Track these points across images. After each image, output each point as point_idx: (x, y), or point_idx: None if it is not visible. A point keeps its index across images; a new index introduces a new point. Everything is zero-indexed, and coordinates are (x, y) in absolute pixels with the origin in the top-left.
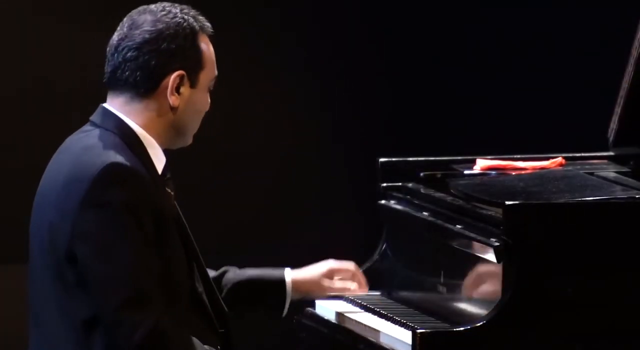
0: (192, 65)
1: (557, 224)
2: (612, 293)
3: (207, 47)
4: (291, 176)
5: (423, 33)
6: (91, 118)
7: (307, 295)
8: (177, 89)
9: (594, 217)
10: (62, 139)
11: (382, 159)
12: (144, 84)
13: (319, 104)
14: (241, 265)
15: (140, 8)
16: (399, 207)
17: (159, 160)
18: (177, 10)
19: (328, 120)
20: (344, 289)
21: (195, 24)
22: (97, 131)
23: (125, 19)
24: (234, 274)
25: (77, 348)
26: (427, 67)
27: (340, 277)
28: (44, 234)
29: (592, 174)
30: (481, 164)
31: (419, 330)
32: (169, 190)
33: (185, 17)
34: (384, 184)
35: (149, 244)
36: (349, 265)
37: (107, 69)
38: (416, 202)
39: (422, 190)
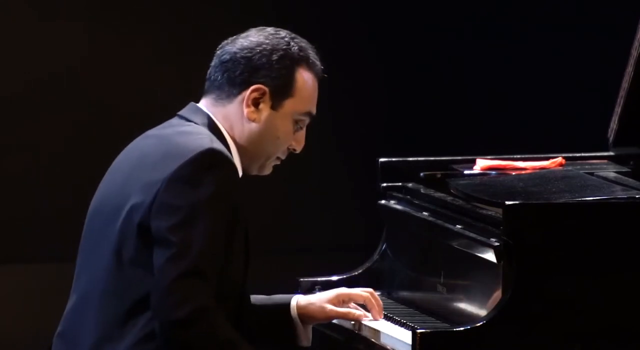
0: (279, 87)
1: (557, 224)
2: (612, 293)
3: (304, 81)
4: (291, 176)
5: (423, 33)
6: (180, 113)
7: (312, 320)
8: (256, 103)
9: (594, 217)
10: (64, 140)
11: (382, 159)
12: (227, 87)
13: (319, 104)
14: None
15: (261, 27)
16: (399, 207)
17: (239, 170)
18: (289, 37)
19: (328, 120)
20: (347, 314)
21: (299, 53)
22: (188, 124)
23: None
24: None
25: (117, 324)
26: (427, 67)
27: (351, 302)
28: (116, 207)
29: (592, 174)
30: (481, 164)
31: (419, 330)
32: None
33: (292, 43)
34: (384, 184)
35: (222, 233)
36: (362, 291)
37: (210, 70)
38: (416, 202)
39: (422, 190)
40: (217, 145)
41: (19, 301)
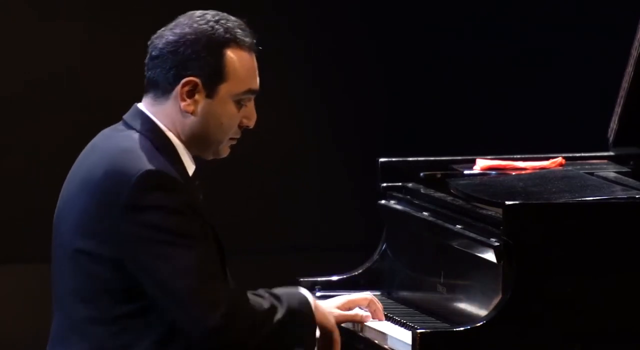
0: (209, 75)
1: (557, 224)
2: (612, 293)
3: (235, 60)
4: (291, 176)
5: (423, 33)
6: (124, 117)
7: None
8: (190, 95)
9: (594, 217)
10: (64, 140)
11: (382, 159)
12: (161, 85)
13: (319, 104)
14: (241, 265)
15: (190, 12)
16: (399, 207)
17: (189, 166)
18: (214, 19)
19: (328, 120)
20: (355, 316)
21: (225, 34)
22: (130, 133)
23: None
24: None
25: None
26: (428, 68)
27: (356, 307)
28: (73, 231)
29: (592, 174)
30: (481, 164)
31: (419, 330)
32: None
33: (216, 26)
34: (384, 184)
35: (197, 236)
36: (365, 294)
37: (145, 67)
38: (416, 202)
39: (422, 190)
40: (154, 163)
41: (19, 301)
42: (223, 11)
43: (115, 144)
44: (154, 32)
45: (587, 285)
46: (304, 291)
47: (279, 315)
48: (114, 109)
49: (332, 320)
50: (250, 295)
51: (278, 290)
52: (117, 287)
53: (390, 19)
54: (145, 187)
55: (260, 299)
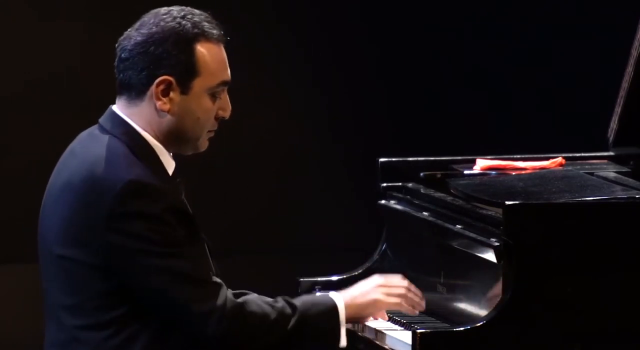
0: (182, 71)
1: (557, 224)
2: (612, 293)
3: (206, 54)
4: (291, 176)
5: (423, 33)
6: (100, 121)
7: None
8: (165, 94)
9: (594, 217)
10: (64, 140)
11: (382, 159)
12: (135, 87)
13: (319, 104)
14: (241, 265)
15: (154, 10)
16: (399, 207)
17: (169, 165)
18: (180, 15)
19: (328, 120)
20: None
21: (193, 29)
22: (106, 138)
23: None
24: (252, 297)
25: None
26: (427, 68)
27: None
28: (54, 237)
29: (592, 174)
30: (481, 164)
31: (419, 330)
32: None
33: (183, 22)
34: (384, 184)
35: (183, 243)
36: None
37: (115, 69)
38: (416, 202)
39: (422, 190)
40: (133, 171)
41: (19, 301)
42: (222, 11)
43: (93, 150)
44: None
45: (587, 285)
46: (334, 297)
47: (290, 324)
48: None
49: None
50: (260, 303)
51: (302, 298)
52: (105, 292)
53: (390, 19)
54: (128, 196)
55: (269, 307)
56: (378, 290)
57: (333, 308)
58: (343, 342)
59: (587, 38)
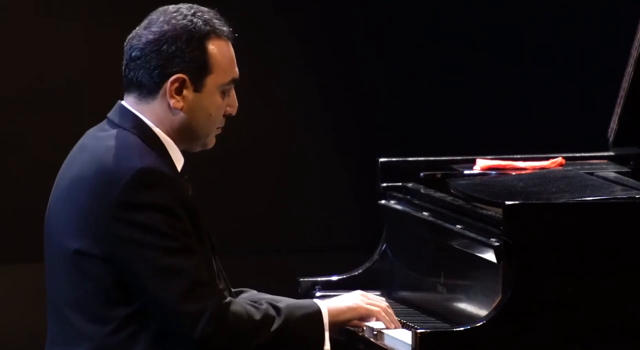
0: (195, 69)
1: (557, 224)
2: (612, 293)
3: (217, 51)
4: (291, 176)
5: (423, 33)
6: (109, 116)
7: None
8: (179, 92)
9: (594, 217)
10: (64, 139)
11: (382, 159)
12: (147, 85)
13: (319, 104)
14: (241, 265)
15: (162, 7)
16: (399, 207)
17: (178, 161)
18: (190, 12)
19: (328, 120)
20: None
21: (205, 27)
22: (116, 131)
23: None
24: (251, 294)
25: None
26: (427, 67)
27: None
28: (66, 231)
29: (592, 174)
30: (481, 164)
31: (419, 330)
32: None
33: (195, 20)
34: (384, 184)
35: (189, 237)
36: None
37: (123, 67)
38: (416, 202)
39: (422, 190)
40: (145, 160)
41: (19, 301)
42: (223, 12)
43: (104, 143)
44: None
45: (587, 285)
46: (317, 302)
47: (274, 326)
48: None
49: (359, 306)
50: (244, 304)
51: (286, 301)
52: (111, 286)
53: (390, 19)
54: (138, 185)
55: (254, 309)
56: (359, 298)
57: (317, 312)
58: (327, 346)
59: (587, 38)
